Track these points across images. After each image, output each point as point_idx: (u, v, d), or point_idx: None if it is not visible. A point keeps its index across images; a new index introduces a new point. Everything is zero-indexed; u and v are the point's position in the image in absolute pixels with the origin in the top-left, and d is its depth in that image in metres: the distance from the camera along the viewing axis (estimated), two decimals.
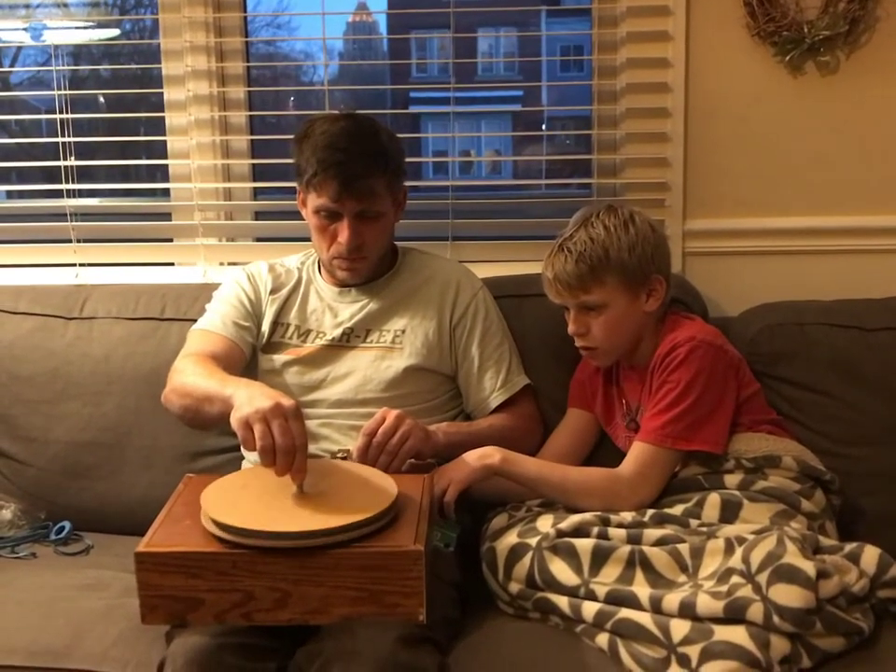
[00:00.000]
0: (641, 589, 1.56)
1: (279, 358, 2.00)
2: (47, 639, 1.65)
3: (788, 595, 1.44)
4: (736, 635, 1.44)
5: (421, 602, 1.41)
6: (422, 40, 2.83)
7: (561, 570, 1.62)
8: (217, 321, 2.00)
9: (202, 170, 2.48)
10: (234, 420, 1.50)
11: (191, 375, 1.80)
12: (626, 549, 1.61)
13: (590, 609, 1.58)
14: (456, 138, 2.44)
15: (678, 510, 1.74)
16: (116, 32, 2.64)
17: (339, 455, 1.84)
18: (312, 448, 1.87)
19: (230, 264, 2.50)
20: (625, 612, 1.54)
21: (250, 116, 2.52)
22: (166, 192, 2.55)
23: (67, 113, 2.43)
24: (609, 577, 1.60)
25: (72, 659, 1.61)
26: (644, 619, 1.52)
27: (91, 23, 2.55)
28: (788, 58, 2.22)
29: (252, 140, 2.53)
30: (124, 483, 2.16)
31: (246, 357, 2.00)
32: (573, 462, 1.98)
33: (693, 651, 1.44)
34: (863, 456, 1.96)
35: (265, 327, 2.02)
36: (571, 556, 1.62)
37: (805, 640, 1.46)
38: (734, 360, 1.84)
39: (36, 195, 2.59)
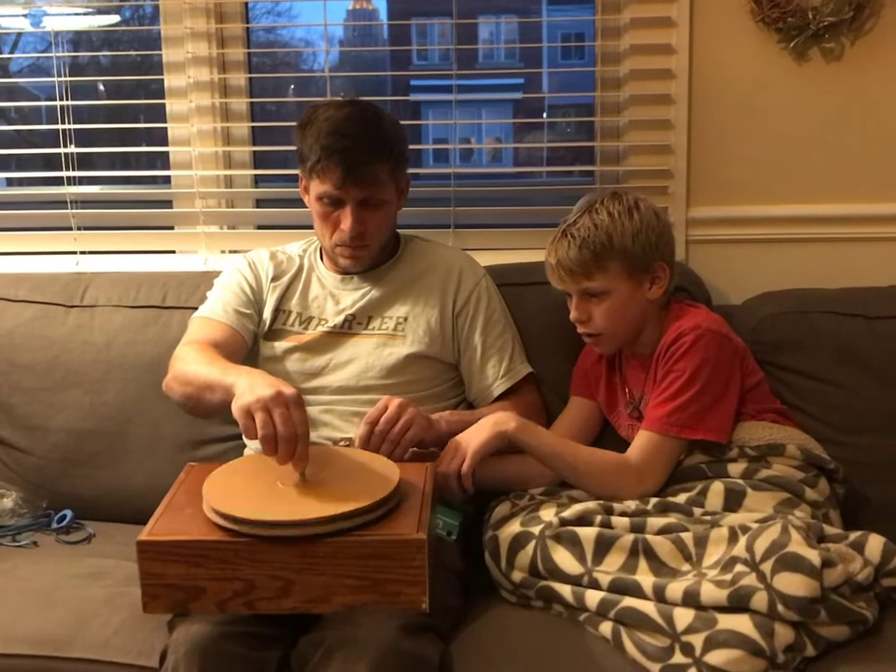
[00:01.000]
0: (645, 578, 1.56)
1: (281, 345, 1.99)
2: (49, 628, 1.65)
3: (792, 584, 1.44)
4: (740, 623, 1.44)
5: (423, 591, 1.41)
6: (422, 27, 2.81)
7: (564, 559, 1.61)
8: (218, 308, 1.99)
9: (202, 157, 2.47)
10: (235, 409, 1.49)
11: (192, 363, 1.79)
12: (630, 537, 1.61)
13: (593, 597, 1.57)
14: (457, 126, 2.42)
15: (681, 498, 1.73)
16: (116, 18, 2.63)
17: (341, 442, 1.84)
18: (313, 435, 1.86)
19: (231, 252, 2.49)
20: (629, 601, 1.54)
21: (251, 103, 2.51)
22: (167, 180, 2.54)
23: (67, 100, 2.42)
24: (612, 565, 1.59)
25: (74, 648, 1.61)
26: (648, 607, 1.52)
27: (90, 10, 2.53)
28: (792, 44, 2.21)
29: (253, 127, 2.52)
30: (126, 472, 2.15)
31: (248, 345, 1.99)
32: None
33: (697, 640, 1.44)
34: (868, 445, 1.95)
35: (267, 314, 2.02)
36: (574, 545, 1.62)
37: (810, 629, 1.46)
38: (738, 349, 1.84)
39: (36, 182, 2.58)
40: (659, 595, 1.52)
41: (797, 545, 1.49)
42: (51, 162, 2.48)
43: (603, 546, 1.61)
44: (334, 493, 1.46)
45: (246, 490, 1.49)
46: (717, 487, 1.73)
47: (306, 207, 2.02)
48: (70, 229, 2.47)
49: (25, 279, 2.33)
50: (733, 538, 1.58)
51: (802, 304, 2.07)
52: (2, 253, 2.52)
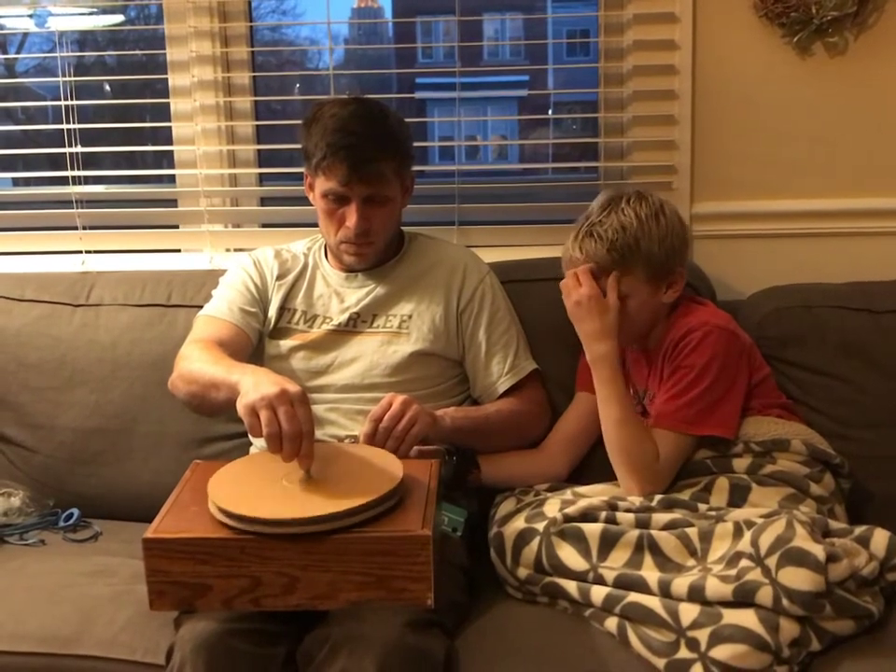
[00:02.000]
0: (650, 573, 1.56)
1: (286, 344, 2.00)
2: (56, 626, 1.65)
3: (797, 579, 1.44)
4: (746, 618, 1.44)
5: (429, 587, 1.40)
6: (427, 25, 2.81)
7: (569, 555, 1.62)
8: (223, 307, 1.99)
9: (207, 156, 2.48)
10: (240, 407, 1.49)
11: (197, 361, 1.80)
12: (635, 533, 1.61)
13: (598, 593, 1.58)
14: (462, 123, 2.42)
15: (686, 494, 1.74)
16: (120, 18, 2.63)
17: (346, 440, 1.84)
18: (319, 433, 1.87)
19: (236, 250, 2.49)
20: (634, 596, 1.54)
21: (255, 101, 2.51)
22: (172, 179, 2.55)
23: (72, 100, 2.42)
24: (617, 561, 1.60)
25: (81, 645, 1.62)
26: (653, 603, 1.52)
27: (95, 10, 2.54)
28: (796, 39, 2.21)
29: (257, 126, 2.52)
30: (132, 470, 2.16)
31: (253, 343, 1.99)
32: (581, 446, 1.98)
33: (703, 635, 1.44)
34: (873, 440, 1.95)
35: (272, 312, 2.02)
36: (579, 541, 1.62)
37: (815, 623, 1.46)
38: (746, 345, 1.84)
39: (42, 182, 2.59)
40: (664, 591, 1.52)
41: (802, 540, 1.49)
42: (57, 162, 2.49)
43: (608, 542, 1.61)
44: (339, 490, 1.46)
45: (252, 488, 1.49)
46: (722, 483, 1.73)
47: (311, 205, 2.03)
48: (76, 228, 2.48)
49: (31, 279, 2.33)
50: (738, 533, 1.58)
51: (806, 299, 2.07)
52: (8, 253, 2.52)
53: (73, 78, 2.43)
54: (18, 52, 2.82)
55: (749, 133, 2.28)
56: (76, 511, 2.11)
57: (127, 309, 2.24)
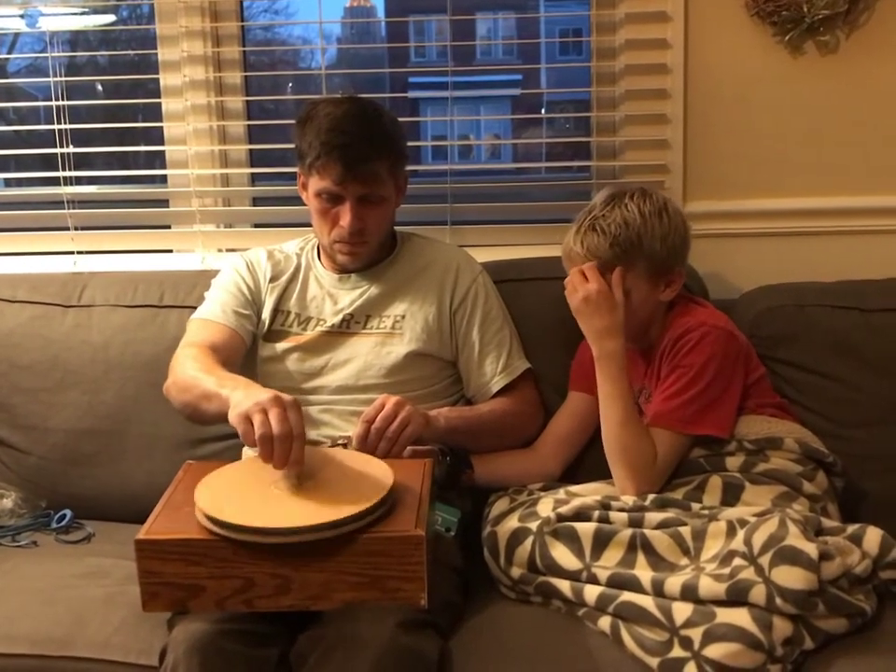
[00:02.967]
0: (643, 572, 1.56)
1: (280, 346, 1.99)
2: (48, 627, 1.65)
3: (790, 577, 1.44)
4: (739, 617, 1.44)
5: (422, 587, 1.41)
6: (420, 24, 2.81)
7: (562, 555, 1.62)
8: (216, 310, 1.99)
9: (199, 156, 2.47)
10: (233, 416, 1.48)
11: (190, 370, 1.79)
12: (628, 532, 1.61)
13: (592, 592, 1.58)
14: (455, 122, 2.43)
15: (679, 493, 1.74)
16: (112, 18, 2.63)
17: (340, 441, 1.84)
18: (313, 434, 1.87)
19: (228, 250, 2.49)
20: (627, 595, 1.54)
21: (247, 101, 2.51)
22: (164, 179, 2.54)
23: (63, 100, 2.42)
24: (610, 560, 1.60)
25: (74, 647, 1.61)
26: (646, 602, 1.52)
27: (86, 9, 2.53)
28: (787, 38, 2.21)
29: (249, 126, 2.52)
30: (125, 471, 2.16)
31: (247, 345, 1.99)
32: (575, 445, 1.98)
33: (696, 634, 1.44)
34: (865, 438, 1.95)
35: (265, 315, 2.02)
36: (572, 541, 1.62)
37: (808, 622, 1.47)
38: (743, 346, 1.84)
39: (34, 183, 2.58)
40: (657, 590, 1.52)
41: (795, 538, 1.49)
42: (48, 163, 2.48)
43: (601, 541, 1.61)
44: (328, 497, 1.45)
45: (240, 494, 1.49)
46: (715, 481, 1.73)
47: (304, 205, 2.02)
48: (67, 229, 2.47)
49: (23, 279, 2.33)
50: (731, 531, 1.58)
51: (798, 298, 2.07)
52: (0, 253, 2.52)
53: (64, 79, 2.43)
54: (9, 52, 2.81)
55: (740, 131, 2.28)
56: (68, 513, 2.10)
57: (119, 310, 2.23)
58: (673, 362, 1.79)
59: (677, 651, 1.45)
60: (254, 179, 2.57)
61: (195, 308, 2.04)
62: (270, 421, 1.43)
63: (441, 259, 2.07)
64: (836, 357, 2.00)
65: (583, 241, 1.84)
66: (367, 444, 1.72)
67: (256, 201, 2.56)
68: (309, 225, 2.04)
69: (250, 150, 2.54)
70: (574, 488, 1.81)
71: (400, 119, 2.03)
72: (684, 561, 1.59)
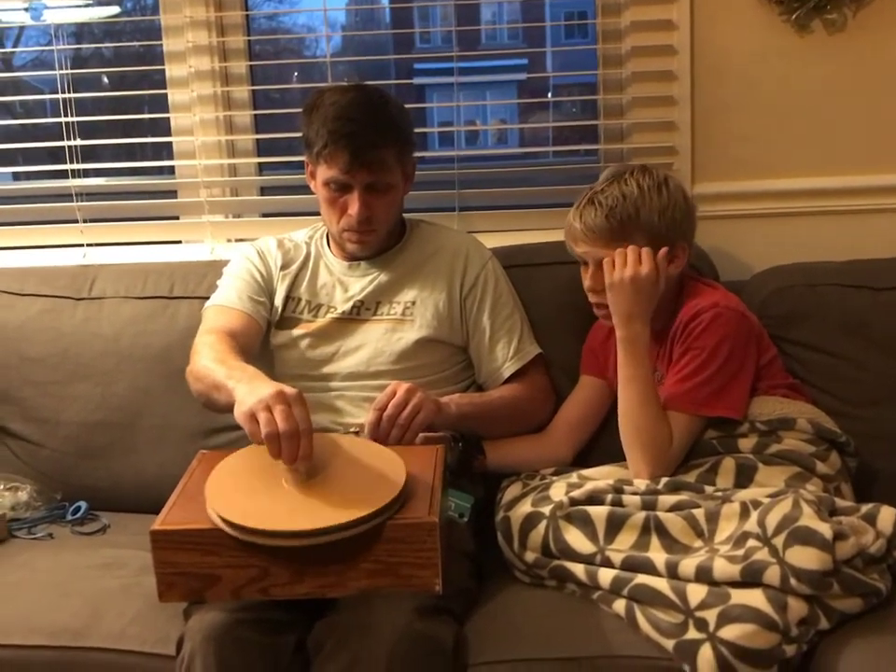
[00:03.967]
0: (657, 555, 1.56)
1: (291, 333, 2.00)
2: (65, 619, 1.66)
3: (804, 558, 1.44)
4: (754, 598, 1.44)
5: (436, 573, 1.41)
6: (424, 10, 2.80)
7: (576, 538, 1.62)
8: (232, 296, 1.99)
9: (206, 146, 2.47)
10: (239, 415, 1.48)
11: (205, 359, 1.78)
12: (641, 515, 1.61)
13: (606, 575, 1.58)
14: (462, 108, 2.42)
15: (692, 475, 1.74)
16: (116, 9, 2.63)
17: (352, 430, 1.84)
18: (325, 421, 1.88)
19: (237, 240, 2.49)
20: (642, 578, 1.55)
21: (253, 90, 2.51)
22: (171, 170, 2.54)
23: (70, 92, 2.42)
24: (624, 543, 1.60)
25: (91, 638, 1.62)
26: (660, 584, 1.52)
27: (91, 1, 2.53)
28: (794, 16, 2.20)
29: (256, 115, 2.52)
30: (138, 462, 2.16)
31: (263, 332, 1.99)
32: (586, 430, 1.98)
33: (711, 615, 1.44)
34: (878, 417, 1.95)
35: (277, 302, 2.02)
36: (586, 524, 1.62)
37: (823, 602, 1.47)
38: (755, 327, 1.84)
39: (42, 176, 2.58)
40: (672, 572, 1.52)
41: (809, 519, 1.48)
42: (56, 156, 2.48)
43: (615, 524, 1.61)
44: (338, 495, 1.44)
45: (250, 491, 1.47)
46: (728, 463, 1.73)
47: (311, 194, 2.02)
48: (76, 221, 2.48)
49: (33, 273, 2.33)
50: (744, 513, 1.58)
51: (809, 277, 2.06)
52: (9, 247, 2.52)
53: (70, 71, 2.43)
54: (14, 46, 2.81)
55: (748, 112, 2.27)
56: (83, 504, 2.11)
57: (129, 301, 2.24)
58: (685, 344, 1.79)
59: (692, 633, 1.45)
60: (261, 169, 2.57)
61: (205, 298, 2.04)
62: (275, 419, 1.42)
63: (451, 245, 2.06)
64: (847, 337, 1.99)
65: (581, 215, 1.84)
66: (379, 431, 1.72)
67: (264, 190, 2.56)
68: (317, 214, 2.04)
69: (257, 140, 2.53)
70: (587, 472, 1.81)
71: (406, 106, 2.03)
72: (698, 543, 1.59)
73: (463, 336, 2.02)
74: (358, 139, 1.86)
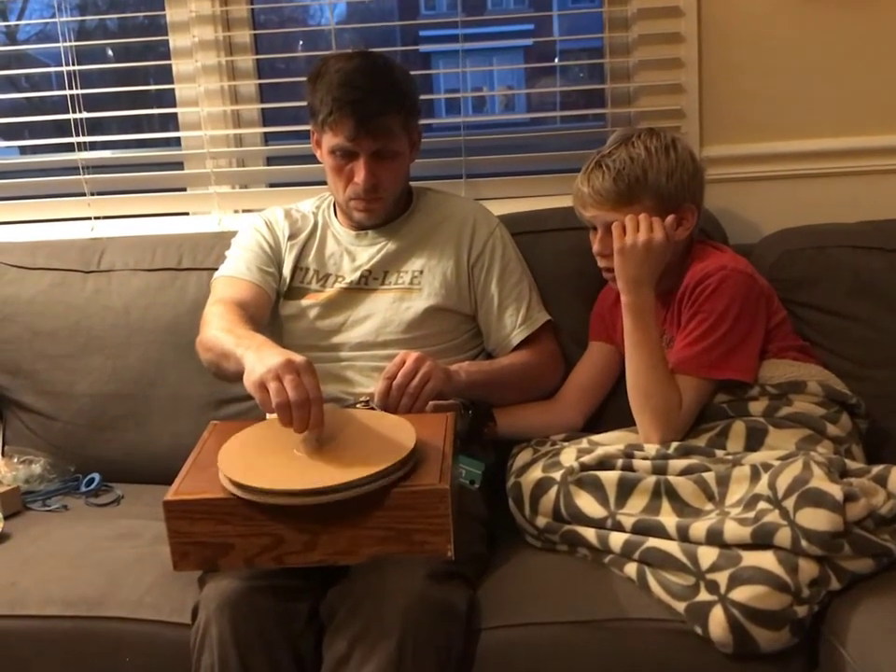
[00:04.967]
0: (668, 518, 1.57)
1: (300, 303, 2.00)
2: (82, 589, 1.67)
3: (815, 519, 1.44)
4: (765, 560, 1.45)
5: (448, 539, 1.42)
6: None
7: (587, 503, 1.63)
8: (241, 267, 1.99)
9: (211, 117, 2.46)
10: (248, 384, 1.49)
11: (214, 329, 1.79)
12: (652, 479, 1.62)
13: (617, 539, 1.59)
14: (468, 74, 2.40)
15: (702, 439, 1.74)
16: None
17: (362, 398, 1.84)
18: (335, 391, 1.88)
19: (244, 211, 2.49)
20: (653, 542, 1.55)
21: (257, 60, 2.50)
22: (177, 142, 2.54)
23: (74, 65, 2.41)
24: (635, 507, 1.61)
25: (107, 607, 1.63)
26: (672, 547, 1.53)
27: None
28: None
29: (260, 85, 2.51)
30: (151, 433, 2.18)
31: (272, 302, 1.99)
32: (596, 395, 1.99)
33: (722, 578, 1.45)
34: (889, 379, 1.94)
35: (286, 272, 2.02)
36: (597, 489, 1.63)
37: (834, 563, 1.47)
38: (764, 289, 1.83)
39: (48, 150, 2.58)
40: (682, 535, 1.53)
41: (819, 480, 1.49)
42: (62, 129, 2.48)
43: (625, 489, 1.62)
44: (351, 458, 1.46)
45: (263, 458, 1.49)
46: (738, 427, 1.73)
47: (318, 163, 2.02)
48: (83, 194, 2.48)
49: (42, 246, 2.34)
50: (755, 475, 1.58)
51: (819, 240, 2.05)
52: (18, 221, 2.53)
53: (74, 43, 2.42)
54: (18, 19, 2.80)
55: (756, 73, 2.25)
56: (97, 476, 2.13)
57: (139, 274, 2.24)
58: (694, 307, 1.78)
59: (703, 595, 1.46)
60: (267, 139, 2.56)
61: (214, 270, 2.04)
62: (285, 388, 1.43)
63: (458, 213, 2.06)
64: (857, 298, 1.98)
65: (589, 179, 1.84)
66: (389, 401, 1.72)
67: (270, 160, 2.55)
68: (324, 183, 2.03)
69: (262, 110, 2.53)
70: (597, 437, 1.82)
71: (412, 73, 2.02)
72: (709, 506, 1.59)
73: (471, 304, 2.02)
74: (363, 106, 1.85)
